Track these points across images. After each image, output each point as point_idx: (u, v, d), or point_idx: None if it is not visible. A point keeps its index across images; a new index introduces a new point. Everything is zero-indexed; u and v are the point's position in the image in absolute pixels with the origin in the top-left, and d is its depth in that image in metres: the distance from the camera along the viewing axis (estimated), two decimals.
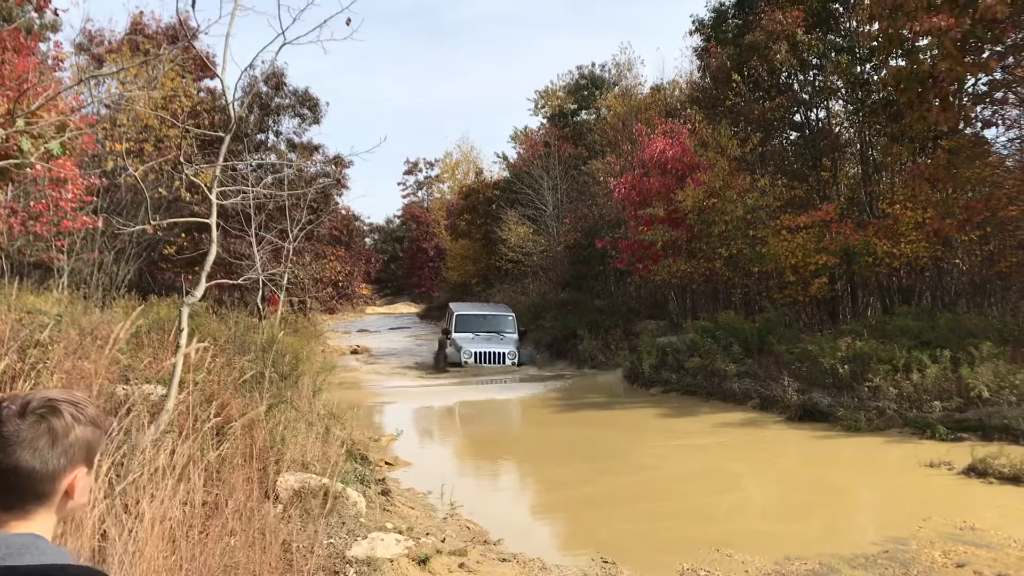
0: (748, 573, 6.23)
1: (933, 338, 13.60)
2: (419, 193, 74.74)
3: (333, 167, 28.44)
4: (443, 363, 21.52)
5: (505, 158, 42.46)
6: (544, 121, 39.77)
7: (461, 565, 5.85)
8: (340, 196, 30.83)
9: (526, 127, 41.17)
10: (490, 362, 21.36)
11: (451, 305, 25.41)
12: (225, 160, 6.59)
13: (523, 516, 8.67)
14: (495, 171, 47.43)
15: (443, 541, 6.36)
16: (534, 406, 16.17)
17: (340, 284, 29.14)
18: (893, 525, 7.34)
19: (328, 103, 33.29)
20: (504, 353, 21.56)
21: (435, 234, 62.36)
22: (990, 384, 11.44)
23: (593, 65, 37.79)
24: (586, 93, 37.43)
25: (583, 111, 37.59)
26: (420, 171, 74.18)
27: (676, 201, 19.70)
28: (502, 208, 35.99)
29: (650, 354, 18.03)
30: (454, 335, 22.22)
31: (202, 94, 23.99)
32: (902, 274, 17.81)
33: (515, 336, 23.03)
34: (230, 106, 6.18)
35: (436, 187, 70.34)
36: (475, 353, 21.35)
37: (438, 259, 59.25)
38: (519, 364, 21.59)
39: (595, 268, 28.11)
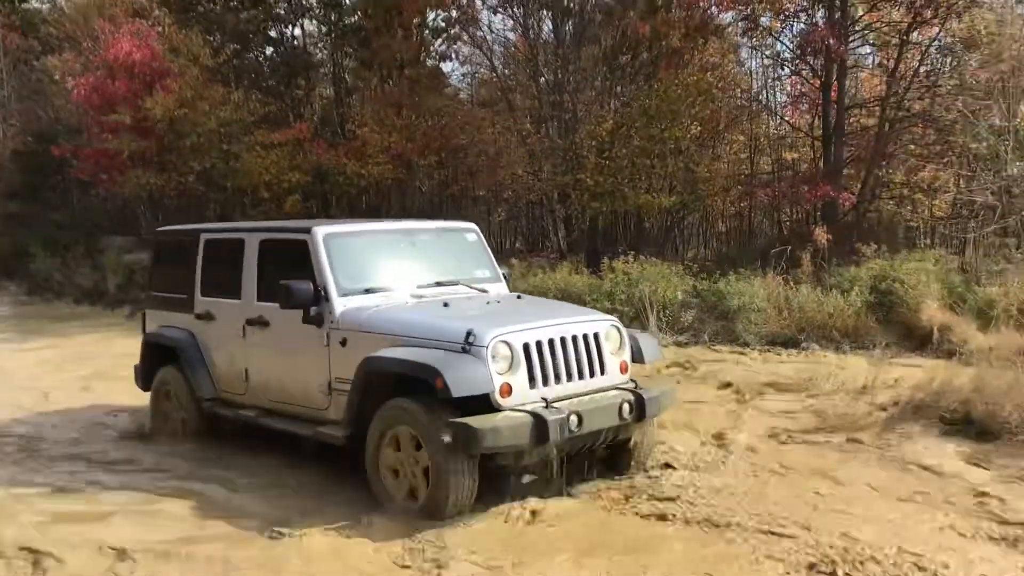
0: None
1: None
2: None
3: None
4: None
5: None
6: None
7: None
8: None
9: None
10: (582, 375, 5.18)
11: (274, 225, 7.77)
12: None
13: None
14: None
15: None
16: None
17: None
18: None
19: None
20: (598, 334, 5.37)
21: None
22: None
23: None
24: None
25: None
26: None
27: (145, 109, 18.31)
28: None
29: (116, 273, 16.82)
30: (343, 306, 5.41)
31: None
32: (371, 193, 18.87)
33: (502, 283, 6.65)
34: None
35: None
36: (537, 344, 4.99)
37: None
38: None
39: (52, 178, 25.15)
